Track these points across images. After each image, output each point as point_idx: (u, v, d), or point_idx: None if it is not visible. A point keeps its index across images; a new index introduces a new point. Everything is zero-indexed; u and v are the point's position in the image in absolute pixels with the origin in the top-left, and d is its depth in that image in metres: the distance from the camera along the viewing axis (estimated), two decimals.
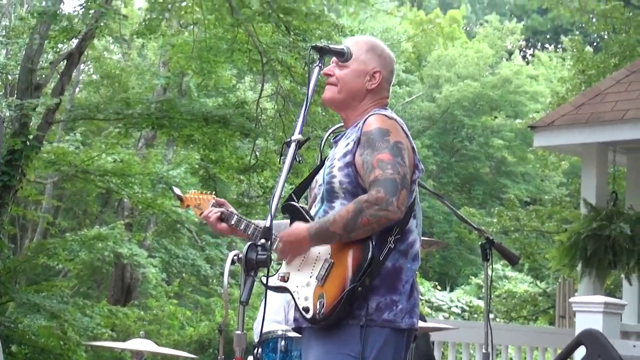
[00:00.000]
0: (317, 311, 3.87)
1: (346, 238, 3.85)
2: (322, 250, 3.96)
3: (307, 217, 4.08)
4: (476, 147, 34.61)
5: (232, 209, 4.46)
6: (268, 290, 3.90)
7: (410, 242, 4.03)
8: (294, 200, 4.20)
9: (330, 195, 4.04)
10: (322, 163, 4.23)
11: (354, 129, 4.11)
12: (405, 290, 3.98)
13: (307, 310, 3.92)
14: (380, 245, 3.89)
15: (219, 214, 4.41)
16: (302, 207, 4.15)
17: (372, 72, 4.19)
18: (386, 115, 4.06)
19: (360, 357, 3.84)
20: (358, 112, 4.17)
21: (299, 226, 3.99)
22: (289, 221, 4.19)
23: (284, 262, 4.09)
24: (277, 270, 4.13)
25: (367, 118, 4.03)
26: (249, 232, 4.30)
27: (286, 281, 4.05)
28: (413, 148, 4.06)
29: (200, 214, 4.55)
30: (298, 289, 4.00)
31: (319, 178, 4.16)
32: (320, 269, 3.94)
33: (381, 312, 3.90)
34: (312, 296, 3.92)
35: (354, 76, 4.17)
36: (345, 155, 4.03)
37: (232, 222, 4.37)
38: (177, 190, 4.73)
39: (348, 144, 4.06)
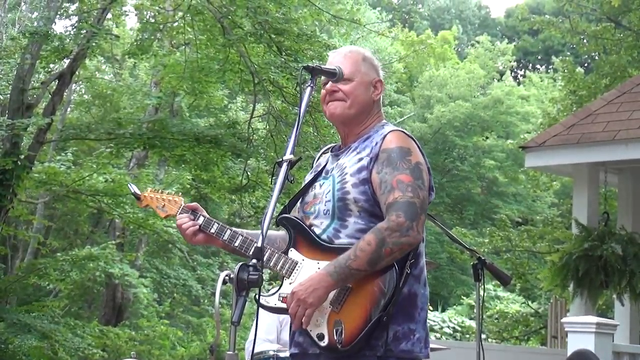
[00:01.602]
0: (336, 340, 3.69)
1: (371, 272, 3.68)
2: None
3: (310, 234, 3.92)
4: (468, 167, 34.68)
5: (206, 214, 4.21)
6: (260, 309, 3.78)
7: (421, 266, 3.92)
8: (288, 213, 4.07)
9: (342, 212, 3.88)
10: (317, 174, 4.11)
11: (363, 142, 3.99)
12: (421, 319, 3.86)
13: (321, 337, 3.74)
14: (399, 272, 3.74)
15: (197, 227, 4.16)
16: (300, 220, 4.00)
17: (375, 83, 4.11)
18: (405, 133, 3.97)
19: None
20: (363, 126, 4.07)
21: (317, 274, 3.73)
22: (282, 232, 4.06)
23: (286, 282, 3.89)
24: (275, 289, 3.95)
25: (386, 135, 3.92)
26: (236, 244, 4.07)
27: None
28: (429, 169, 3.96)
29: (166, 216, 4.34)
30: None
31: (319, 189, 4.03)
32: (337, 295, 3.74)
33: (399, 342, 3.76)
34: (326, 322, 3.75)
35: (363, 89, 4.06)
36: (360, 171, 3.88)
37: (212, 231, 4.14)
38: (133, 188, 4.46)
39: (361, 159, 3.92)
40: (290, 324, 3.96)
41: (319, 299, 3.69)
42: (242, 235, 4.08)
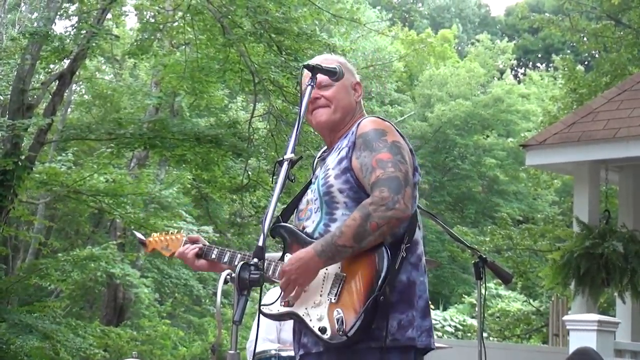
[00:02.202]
0: (337, 329, 3.65)
1: (358, 249, 3.64)
2: (330, 267, 3.76)
3: (302, 235, 3.91)
4: (468, 166, 34.68)
5: (207, 243, 4.32)
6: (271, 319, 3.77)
7: (419, 254, 3.89)
8: (283, 222, 4.06)
9: (329, 205, 3.87)
10: (310, 182, 4.10)
11: (343, 139, 4.00)
12: (419, 307, 3.82)
13: (324, 330, 3.71)
14: (393, 254, 3.70)
15: (196, 250, 4.29)
16: (294, 227, 3.99)
17: (354, 85, 4.12)
18: (380, 118, 3.96)
19: None
20: (346, 128, 4.06)
21: (300, 251, 3.75)
22: (279, 254, 4.01)
23: (281, 285, 3.82)
24: (276, 298, 3.91)
25: (360, 122, 3.93)
26: (236, 262, 4.09)
27: (291, 306, 3.85)
28: (411, 150, 3.93)
29: (171, 255, 4.43)
30: (308, 311, 3.80)
31: (310, 195, 4.01)
32: (332, 286, 3.74)
33: (404, 330, 3.72)
34: (327, 314, 3.72)
35: (344, 93, 4.07)
36: (340, 162, 3.88)
37: (213, 257, 4.24)
38: (139, 235, 4.62)
39: (340, 151, 3.93)
40: (295, 328, 3.97)
41: (308, 279, 3.72)
42: (241, 254, 4.13)
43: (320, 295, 3.77)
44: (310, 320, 3.78)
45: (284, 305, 3.86)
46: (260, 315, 3.69)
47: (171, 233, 4.51)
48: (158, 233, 4.56)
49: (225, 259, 4.16)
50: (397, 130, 3.93)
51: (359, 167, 3.81)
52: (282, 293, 3.79)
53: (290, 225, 4.01)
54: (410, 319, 3.75)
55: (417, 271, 3.84)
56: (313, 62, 4.06)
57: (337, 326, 3.67)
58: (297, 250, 3.84)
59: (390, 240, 3.72)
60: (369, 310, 3.61)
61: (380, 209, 3.61)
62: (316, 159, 4.27)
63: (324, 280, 3.78)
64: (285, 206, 4.17)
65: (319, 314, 3.75)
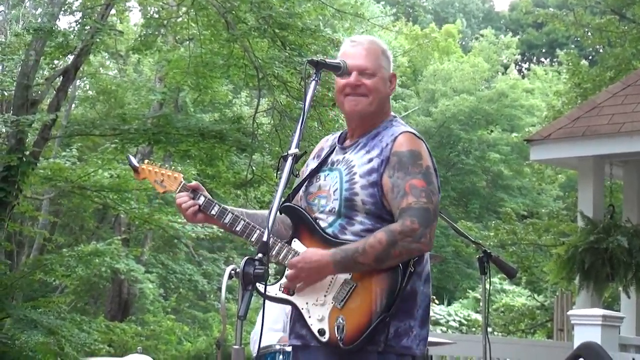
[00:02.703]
0: (338, 336, 3.71)
1: (374, 268, 3.71)
2: None
3: (314, 225, 3.91)
4: (472, 161, 34.64)
5: (207, 195, 4.18)
6: (266, 301, 3.77)
7: (424, 262, 3.93)
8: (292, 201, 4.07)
9: (349, 210, 3.87)
10: (322, 163, 4.09)
11: (372, 140, 3.98)
12: (419, 316, 3.87)
13: (322, 332, 3.76)
14: (404, 271, 3.77)
15: (197, 207, 4.12)
16: (305, 211, 3.98)
17: (390, 77, 4.10)
18: (415, 135, 3.95)
19: None
20: (375, 120, 4.05)
21: (318, 252, 3.79)
22: (266, 212, 3.97)
23: (287, 272, 3.88)
24: (277, 280, 3.94)
25: (397, 137, 3.90)
26: (237, 229, 4.04)
27: (291, 294, 3.88)
28: (436, 170, 3.95)
29: (164, 191, 4.31)
30: (309, 306, 3.83)
31: (323, 181, 4.01)
32: (340, 290, 3.77)
33: (400, 338, 3.78)
34: (328, 317, 3.76)
35: (383, 85, 4.05)
36: (370, 173, 3.86)
37: (213, 213, 4.10)
38: (132, 159, 4.37)
39: (371, 159, 3.90)
40: (292, 316, 3.98)
41: (315, 281, 3.78)
42: (244, 221, 4.05)
43: (325, 296, 3.81)
44: (310, 317, 3.82)
45: (283, 292, 3.89)
46: (266, 304, 3.69)
47: (167, 168, 4.33)
48: (152, 163, 4.37)
49: (227, 220, 4.06)
50: (427, 147, 3.96)
51: (389, 187, 3.82)
52: (286, 281, 3.84)
53: (303, 211, 4.00)
54: (407, 328, 3.80)
55: (420, 281, 3.88)
56: (358, 44, 4.06)
57: (336, 334, 3.72)
58: (306, 238, 3.90)
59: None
60: (374, 327, 3.69)
61: (406, 240, 3.68)
62: (329, 140, 4.25)
63: (331, 282, 3.81)
64: (295, 185, 4.14)
65: (321, 315, 3.79)
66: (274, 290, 3.91)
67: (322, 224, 3.93)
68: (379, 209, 3.83)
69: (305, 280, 3.79)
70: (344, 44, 4.16)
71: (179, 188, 4.23)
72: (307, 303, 3.84)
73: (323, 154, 4.15)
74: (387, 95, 4.08)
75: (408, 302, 3.80)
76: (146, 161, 4.41)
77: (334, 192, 3.94)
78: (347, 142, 4.11)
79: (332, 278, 3.79)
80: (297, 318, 3.91)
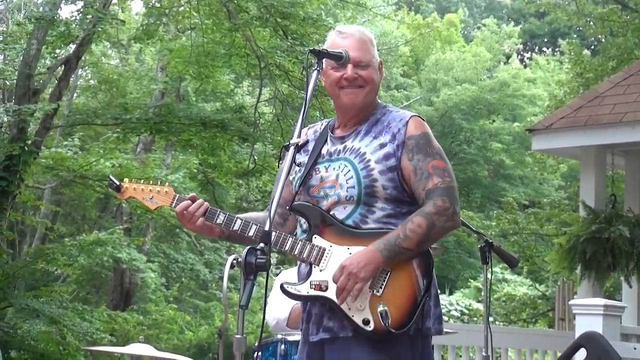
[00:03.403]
0: (383, 323, 3.74)
1: (417, 252, 3.80)
2: None
3: (330, 217, 3.92)
4: (474, 150, 34.62)
5: (205, 202, 4.09)
6: (276, 288, 3.79)
7: None
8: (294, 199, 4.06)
9: (369, 198, 3.89)
10: (317, 157, 4.08)
11: (375, 126, 4.02)
12: (433, 295, 3.94)
13: (367, 322, 3.77)
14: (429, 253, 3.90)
15: (203, 211, 4.03)
16: (318, 207, 3.97)
17: (379, 65, 4.14)
18: (422, 118, 4.06)
19: None
20: (369, 109, 4.10)
21: (361, 251, 3.78)
22: (262, 214, 4.06)
23: (315, 269, 3.88)
24: (304, 279, 3.93)
25: (407, 121, 3.97)
26: (250, 234, 4.00)
27: (324, 290, 3.86)
28: None
29: (157, 208, 4.20)
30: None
31: (328, 176, 3.99)
32: (376, 278, 3.79)
33: (424, 320, 3.87)
34: (369, 306, 3.79)
35: (376, 74, 4.09)
36: (387, 158, 3.91)
37: (219, 222, 4.04)
38: (113, 179, 4.15)
39: (383, 144, 3.94)
40: (313, 311, 3.98)
41: (370, 274, 3.76)
42: (241, 219, 4.04)
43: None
44: (350, 309, 3.81)
45: (314, 289, 3.87)
46: (275, 291, 3.71)
47: (152, 183, 4.17)
48: (137, 181, 4.16)
49: (235, 228, 4.01)
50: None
51: (411, 169, 3.89)
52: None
53: (316, 207, 3.99)
54: (428, 309, 3.87)
55: (430, 260, 3.95)
56: (349, 37, 4.08)
57: (381, 321, 3.75)
58: (327, 232, 3.90)
59: None
60: (420, 309, 3.78)
61: (442, 219, 3.78)
62: (309, 133, 4.24)
63: None
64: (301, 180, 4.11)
65: (361, 304, 3.80)
66: (305, 289, 3.89)
67: (340, 216, 3.93)
68: (400, 193, 3.90)
69: (360, 278, 3.74)
70: (332, 34, 4.16)
71: (174, 202, 4.12)
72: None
73: (311, 147, 4.15)
74: (379, 83, 4.14)
75: None
76: (126, 180, 4.20)
77: (347, 180, 3.94)
78: (341, 132, 4.13)
79: None
80: (323, 311, 3.92)
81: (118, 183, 4.14)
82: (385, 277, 3.80)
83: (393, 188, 3.88)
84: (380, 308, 3.75)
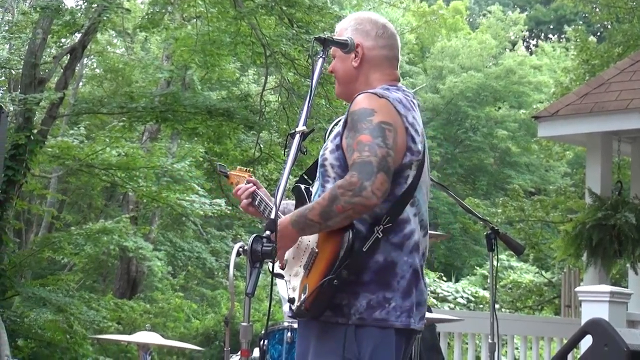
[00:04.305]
0: (299, 304, 3.72)
1: (325, 227, 3.64)
2: (312, 239, 3.78)
3: (305, 196, 4.00)
4: (480, 138, 34.63)
5: (262, 189, 4.38)
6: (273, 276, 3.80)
7: (406, 233, 3.80)
8: (305, 181, 4.09)
9: (323, 177, 3.86)
10: None
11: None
12: (400, 287, 3.74)
13: (293, 301, 3.78)
14: (365, 235, 3.68)
15: (249, 199, 4.36)
16: (306, 190, 4.03)
17: (353, 50, 4.02)
18: (376, 94, 3.83)
19: (356, 358, 3.67)
20: (351, 98, 3.98)
21: (281, 220, 3.75)
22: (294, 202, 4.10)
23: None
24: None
25: (355, 98, 3.84)
26: (261, 209, 4.30)
27: (283, 268, 3.93)
28: (407, 128, 3.80)
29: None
30: (290, 277, 3.87)
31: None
32: (308, 259, 3.77)
33: (372, 310, 3.69)
34: (299, 287, 3.77)
35: (340, 62, 4.04)
36: (335, 137, 3.86)
37: (256, 203, 4.33)
38: (221, 168, 4.69)
39: (339, 124, 3.93)
40: None
41: (284, 245, 3.79)
42: (264, 202, 4.28)
43: (299, 266, 3.83)
44: (289, 289, 3.87)
45: (280, 267, 3.94)
46: (273, 283, 3.72)
47: (240, 169, 4.59)
48: (236, 169, 4.61)
49: (261, 209, 4.27)
50: (395, 106, 3.82)
51: (345, 147, 3.77)
52: None
53: (302, 187, 4.06)
54: (381, 300, 3.71)
55: (399, 251, 3.77)
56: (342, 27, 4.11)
57: (299, 301, 3.74)
58: None
59: (369, 221, 3.72)
60: (323, 290, 3.63)
61: (347, 194, 3.56)
62: (329, 130, 4.27)
63: (304, 252, 3.83)
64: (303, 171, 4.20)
65: (294, 285, 3.83)
66: (276, 266, 3.87)
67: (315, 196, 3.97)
68: (344, 171, 3.74)
69: (280, 248, 3.76)
70: None
71: (245, 183, 4.43)
72: (289, 275, 3.88)
73: None
74: (350, 70, 4.04)
75: (384, 274, 3.72)
76: (238, 167, 4.63)
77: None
78: None
79: (305, 249, 3.82)
80: None
81: (227, 172, 4.64)
82: (312, 258, 3.75)
83: (338, 166, 3.80)
84: (303, 289, 3.72)
